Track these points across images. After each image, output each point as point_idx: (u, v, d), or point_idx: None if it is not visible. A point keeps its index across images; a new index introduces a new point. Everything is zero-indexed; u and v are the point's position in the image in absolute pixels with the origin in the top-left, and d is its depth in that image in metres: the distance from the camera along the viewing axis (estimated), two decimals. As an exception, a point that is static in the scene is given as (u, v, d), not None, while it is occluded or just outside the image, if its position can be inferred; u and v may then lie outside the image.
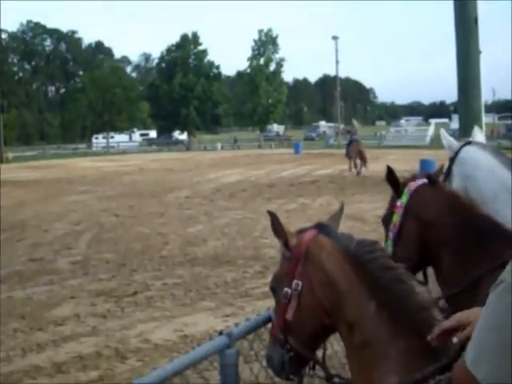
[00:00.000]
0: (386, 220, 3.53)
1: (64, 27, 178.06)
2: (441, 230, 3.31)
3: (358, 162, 33.16)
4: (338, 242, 2.60)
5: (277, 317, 2.74)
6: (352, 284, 2.48)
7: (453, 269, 3.25)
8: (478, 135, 4.51)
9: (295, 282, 2.63)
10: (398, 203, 3.45)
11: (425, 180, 3.49)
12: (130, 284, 11.68)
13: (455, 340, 2.07)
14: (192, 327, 9.01)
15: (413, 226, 3.39)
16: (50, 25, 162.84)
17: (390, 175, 3.54)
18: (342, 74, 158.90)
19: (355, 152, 33.39)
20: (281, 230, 2.73)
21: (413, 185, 3.47)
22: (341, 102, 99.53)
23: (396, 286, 2.42)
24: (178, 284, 11.58)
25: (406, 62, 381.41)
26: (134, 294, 10.98)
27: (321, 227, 2.71)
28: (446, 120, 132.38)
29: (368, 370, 2.40)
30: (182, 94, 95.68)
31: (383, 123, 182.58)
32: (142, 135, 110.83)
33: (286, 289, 2.66)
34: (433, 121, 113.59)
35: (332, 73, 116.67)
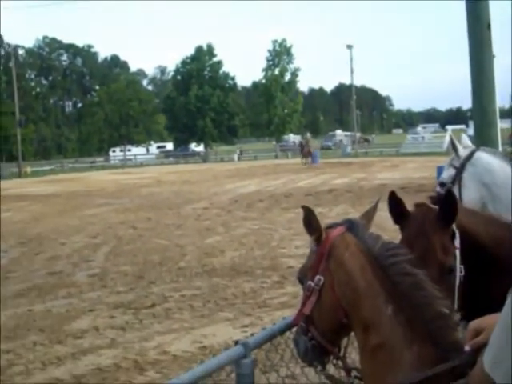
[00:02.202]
0: None
1: (80, 42, 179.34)
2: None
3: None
4: (362, 243, 2.60)
5: (299, 307, 2.77)
6: (371, 286, 2.48)
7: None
8: (465, 141, 4.28)
9: (318, 277, 2.64)
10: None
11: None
12: (148, 296, 11.69)
13: (467, 348, 2.05)
14: (211, 338, 9.00)
15: None
16: (66, 40, 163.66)
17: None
18: (358, 83, 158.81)
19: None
20: (317, 225, 2.72)
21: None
22: (357, 110, 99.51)
23: (415, 292, 2.42)
24: (196, 295, 11.58)
25: (422, 69, 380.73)
26: (153, 305, 10.99)
27: (349, 225, 2.70)
28: (462, 126, 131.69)
29: (380, 374, 2.39)
30: (198, 105, 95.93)
31: (400, 131, 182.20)
32: (158, 147, 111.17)
33: (309, 282, 2.68)
34: (450, 127, 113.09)
35: (347, 81, 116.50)
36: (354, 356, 2.84)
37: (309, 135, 63.14)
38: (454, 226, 2.87)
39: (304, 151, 57.51)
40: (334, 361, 2.81)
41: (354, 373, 2.74)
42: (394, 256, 2.51)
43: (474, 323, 2.09)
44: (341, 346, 2.80)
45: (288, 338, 3.27)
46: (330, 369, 2.88)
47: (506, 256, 2.90)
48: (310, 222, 2.73)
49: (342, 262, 2.59)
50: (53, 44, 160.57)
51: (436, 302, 2.40)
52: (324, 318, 2.64)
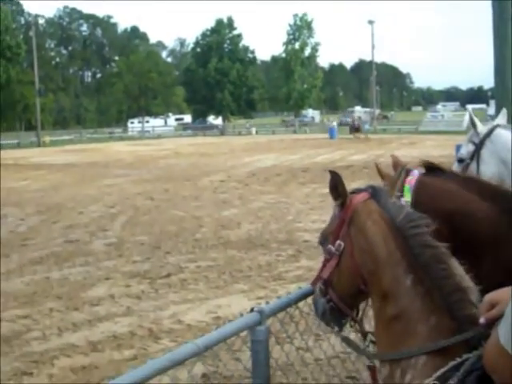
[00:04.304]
0: None
1: (100, 12, 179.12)
2: (462, 218, 2.98)
3: None
4: (385, 211, 2.56)
5: (319, 270, 2.77)
6: (392, 256, 2.46)
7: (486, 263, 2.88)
8: (501, 118, 4.23)
9: (338, 242, 2.63)
10: (402, 203, 2.96)
11: (418, 170, 3.18)
12: (164, 266, 11.77)
13: (482, 320, 2.05)
14: (225, 309, 9.06)
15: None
16: (86, 10, 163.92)
17: (382, 176, 3.31)
18: (378, 59, 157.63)
19: None
20: (343, 191, 2.67)
21: (411, 179, 3.14)
22: (377, 87, 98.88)
23: (435, 265, 2.40)
24: (211, 267, 11.64)
25: (444, 47, 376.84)
26: (168, 275, 11.06)
27: (373, 192, 2.66)
28: (483, 106, 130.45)
29: (396, 344, 2.39)
30: (217, 78, 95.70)
31: (420, 108, 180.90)
32: (176, 120, 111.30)
33: (329, 246, 2.67)
34: (470, 106, 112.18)
35: (368, 58, 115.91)
36: (370, 319, 2.84)
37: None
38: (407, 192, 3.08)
39: (355, 126, 63.33)
40: (352, 323, 2.82)
41: (369, 336, 2.75)
42: (416, 227, 2.48)
43: (489, 296, 2.09)
44: (359, 309, 2.80)
45: (302, 310, 3.30)
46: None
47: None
48: (336, 186, 2.69)
49: (363, 230, 2.56)
50: (73, 14, 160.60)
51: (455, 275, 2.39)
52: (342, 283, 2.64)
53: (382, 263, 2.47)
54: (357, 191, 2.71)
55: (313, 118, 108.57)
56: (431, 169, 3.18)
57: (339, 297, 2.67)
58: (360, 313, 2.82)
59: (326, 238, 2.74)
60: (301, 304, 3.26)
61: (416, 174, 3.16)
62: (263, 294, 9.66)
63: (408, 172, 3.19)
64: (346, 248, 2.61)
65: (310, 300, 3.23)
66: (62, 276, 11.31)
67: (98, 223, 16.69)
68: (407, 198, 3.09)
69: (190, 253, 12.85)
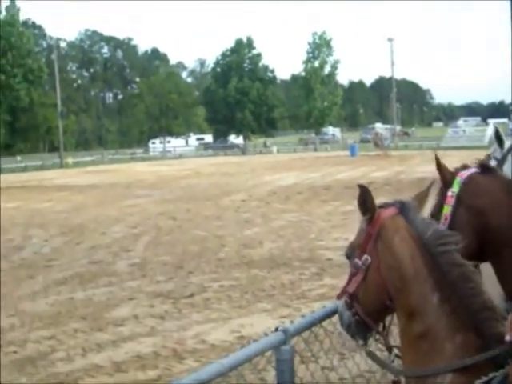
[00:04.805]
0: (435, 214, 3.35)
1: (120, 35, 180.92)
2: (500, 220, 3.08)
3: None
4: (413, 227, 2.55)
5: (344, 283, 2.77)
6: (419, 273, 2.46)
7: None
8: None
9: (365, 256, 2.62)
10: (449, 193, 3.21)
11: (476, 169, 3.28)
12: (187, 286, 11.79)
13: (508, 338, 2.04)
14: (248, 328, 9.05)
15: (467, 216, 3.14)
16: (106, 33, 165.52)
17: (439, 165, 3.40)
18: (398, 76, 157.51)
19: None
20: (371, 205, 2.66)
21: (464, 173, 3.26)
22: (397, 103, 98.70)
23: (462, 283, 2.40)
24: (234, 286, 11.64)
25: (464, 62, 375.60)
26: (191, 295, 11.08)
27: (402, 207, 2.65)
28: (505, 120, 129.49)
29: (422, 362, 2.38)
30: (238, 98, 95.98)
31: (441, 124, 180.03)
32: (198, 139, 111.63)
33: (356, 260, 2.67)
34: (491, 121, 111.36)
35: (388, 74, 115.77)
36: (396, 332, 2.83)
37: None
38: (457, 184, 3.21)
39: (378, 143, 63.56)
40: (377, 337, 2.81)
41: (395, 351, 2.74)
42: (444, 245, 2.47)
43: None
44: (384, 323, 2.79)
45: (327, 329, 3.29)
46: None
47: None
48: (365, 200, 2.67)
49: (390, 246, 2.55)
50: (94, 37, 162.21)
51: (482, 294, 2.39)
52: (368, 297, 2.63)
53: (409, 280, 2.47)
54: (385, 206, 2.70)
55: (333, 135, 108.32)
56: (486, 169, 3.26)
57: (365, 311, 2.66)
58: (385, 327, 2.81)
59: (352, 252, 2.73)
60: (325, 323, 3.26)
61: (471, 170, 3.26)
62: (286, 313, 9.64)
63: (465, 167, 3.31)
64: (372, 263, 2.60)
65: (334, 319, 3.23)
66: (86, 296, 11.38)
67: (120, 244, 16.77)
68: (455, 188, 3.19)
69: (212, 272, 12.87)
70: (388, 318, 2.81)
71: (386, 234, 2.58)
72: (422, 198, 2.85)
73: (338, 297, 2.80)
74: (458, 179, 3.21)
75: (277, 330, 2.90)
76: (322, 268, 12.53)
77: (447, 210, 3.17)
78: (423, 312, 2.41)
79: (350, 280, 2.71)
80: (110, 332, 9.28)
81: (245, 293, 11.10)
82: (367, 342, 2.80)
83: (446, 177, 3.27)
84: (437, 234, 2.51)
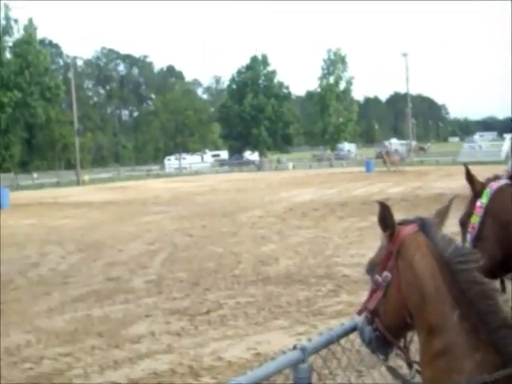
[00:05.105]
0: (464, 221, 3.33)
1: (136, 52, 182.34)
2: None
3: None
4: (434, 245, 2.55)
5: (365, 299, 2.78)
6: (439, 291, 2.46)
7: None
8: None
9: (385, 273, 2.63)
10: (478, 203, 3.26)
11: (507, 180, 3.31)
12: (204, 303, 11.78)
13: None
14: (265, 345, 9.02)
15: (493, 227, 3.18)
16: (123, 51, 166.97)
17: (469, 175, 3.40)
18: (413, 91, 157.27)
19: None
20: (392, 222, 2.67)
21: (494, 185, 3.30)
22: (412, 118, 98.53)
23: (482, 301, 2.40)
24: (250, 303, 11.62)
25: (479, 77, 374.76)
26: (208, 312, 11.07)
27: (422, 224, 2.65)
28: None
29: (441, 379, 2.38)
30: (253, 114, 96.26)
31: (456, 139, 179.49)
32: (213, 156, 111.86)
33: (376, 276, 2.68)
34: (507, 136, 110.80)
35: (403, 90, 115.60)
36: (416, 349, 2.82)
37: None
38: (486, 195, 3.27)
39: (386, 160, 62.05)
40: (397, 352, 2.80)
41: (415, 366, 2.73)
42: (464, 262, 2.47)
43: None
44: (405, 338, 2.79)
45: (344, 346, 3.28)
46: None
47: None
48: (385, 218, 2.67)
49: (411, 263, 2.56)
50: (110, 55, 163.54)
51: (502, 312, 2.38)
52: (388, 314, 2.63)
53: (429, 297, 2.47)
54: (405, 223, 2.70)
55: (349, 151, 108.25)
56: None
57: (385, 326, 2.66)
58: (406, 342, 2.80)
59: (373, 268, 2.74)
60: (343, 340, 3.24)
61: (502, 181, 3.31)
62: (303, 330, 9.61)
63: (496, 178, 3.37)
64: (393, 280, 2.60)
65: (352, 336, 3.22)
66: (103, 313, 11.39)
67: (137, 260, 16.81)
68: (484, 199, 3.24)
69: (229, 289, 12.86)
70: (409, 334, 2.80)
71: (407, 251, 2.59)
72: (442, 214, 2.84)
73: (359, 313, 2.81)
74: (488, 190, 3.22)
75: (295, 347, 2.89)
76: (339, 284, 12.49)
77: (475, 219, 3.19)
78: (443, 329, 2.41)
79: (370, 296, 2.71)
80: (127, 349, 9.28)
81: (261, 309, 11.08)
82: (388, 357, 2.80)
83: (476, 187, 3.30)
84: (457, 252, 2.50)
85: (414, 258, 2.56)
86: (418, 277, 2.52)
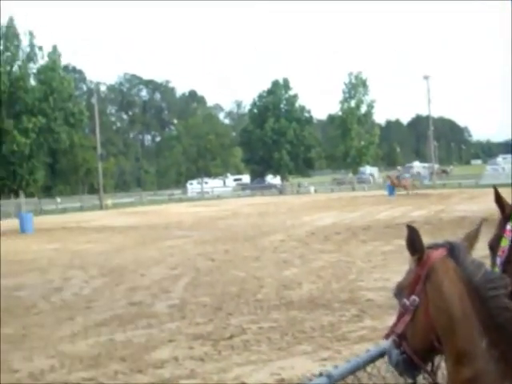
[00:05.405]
0: (494, 245, 3.30)
1: (159, 78, 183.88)
2: None
3: None
4: (463, 270, 2.53)
5: (393, 323, 2.75)
6: (468, 317, 2.43)
7: None
8: None
9: (413, 297, 2.61)
10: (508, 227, 3.19)
11: None
12: (227, 327, 11.74)
13: None
14: (289, 371, 8.95)
15: None
16: (145, 76, 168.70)
17: (498, 197, 3.36)
18: (435, 114, 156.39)
19: None
20: (420, 246, 2.65)
21: None
22: (434, 141, 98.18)
23: (510, 328, 2.37)
24: (273, 327, 11.55)
25: (501, 99, 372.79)
26: (231, 337, 11.02)
27: (451, 249, 2.62)
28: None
29: None
30: (275, 138, 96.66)
31: (479, 162, 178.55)
32: (235, 180, 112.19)
33: (404, 300, 2.66)
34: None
35: (424, 112, 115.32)
36: (444, 370, 2.78)
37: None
38: None
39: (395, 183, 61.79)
40: (425, 376, 2.78)
41: None
42: (494, 289, 2.44)
43: None
44: (433, 362, 2.76)
45: (371, 373, 3.25)
46: None
47: None
48: (414, 241, 2.66)
49: (439, 288, 2.54)
50: (133, 80, 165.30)
51: None
52: (416, 338, 2.61)
53: (458, 323, 2.44)
54: (434, 247, 2.68)
55: (371, 174, 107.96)
56: None
57: (413, 350, 2.64)
58: (434, 366, 2.77)
59: (400, 292, 2.72)
60: (369, 367, 3.22)
61: None
62: (327, 355, 9.53)
63: None
64: (420, 304, 2.58)
65: (378, 363, 3.19)
66: (126, 338, 11.38)
67: (160, 285, 16.80)
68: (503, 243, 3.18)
69: (252, 314, 12.80)
70: (437, 357, 2.77)
71: (436, 276, 2.57)
72: (471, 237, 2.81)
73: (386, 336, 2.79)
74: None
75: (321, 374, 2.88)
76: (362, 309, 12.38)
77: (505, 243, 3.14)
78: (471, 356, 2.38)
79: (398, 320, 2.69)
80: (150, 374, 9.25)
81: (284, 334, 11.01)
82: (415, 380, 2.77)
83: (506, 210, 3.25)
84: (486, 278, 2.48)
85: (442, 282, 2.54)
86: (447, 302, 2.49)
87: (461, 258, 2.57)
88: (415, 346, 2.62)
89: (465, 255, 2.60)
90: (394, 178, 62.86)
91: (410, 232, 2.66)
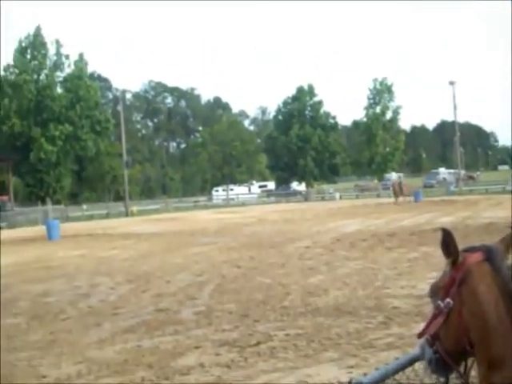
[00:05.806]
0: None
1: (184, 85, 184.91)
2: None
3: None
4: (499, 275, 2.51)
5: (426, 324, 2.75)
6: (502, 323, 2.42)
7: None
8: None
9: (447, 300, 2.60)
10: None
11: None
12: (253, 334, 11.73)
13: None
14: (315, 378, 8.92)
15: None
16: (170, 84, 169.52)
17: None
18: (461, 119, 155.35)
19: None
20: (455, 249, 2.66)
21: None
22: (460, 147, 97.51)
23: None
24: (300, 334, 11.53)
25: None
26: (257, 344, 11.01)
27: (488, 253, 2.60)
28: None
29: None
30: (299, 145, 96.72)
31: (506, 167, 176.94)
32: (260, 187, 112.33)
33: (438, 302, 2.65)
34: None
35: (450, 118, 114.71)
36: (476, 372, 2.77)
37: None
38: None
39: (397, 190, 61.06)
40: (457, 376, 2.76)
41: None
42: None
43: None
44: (466, 363, 2.74)
45: (400, 381, 3.24)
46: None
47: None
48: (448, 244, 2.67)
49: (475, 292, 2.52)
50: (158, 88, 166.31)
51: None
52: (449, 340, 2.60)
53: (492, 329, 2.42)
54: (471, 250, 2.67)
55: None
56: None
57: (446, 351, 2.62)
58: (467, 367, 2.75)
59: (435, 293, 2.71)
60: (398, 375, 3.21)
61: None
62: (353, 363, 9.48)
63: None
64: (454, 307, 2.57)
65: (407, 372, 3.18)
66: (153, 344, 11.42)
67: (186, 292, 16.85)
68: None
69: (278, 321, 12.79)
70: (470, 359, 2.76)
71: (472, 280, 2.55)
72: (507, 242, 2.78)
73: (419, 336, 2.78)
74: None
75: (350, 382, 2.88)
76: (389, 317, 12.32)
77: None
78: (504, 364, 2.36)
79: (430, 321, 2.69)
80: (177, 380, 9.27)
81: (311, 341, 10.98)
82: (448, 380, 2.77)
83: None
84: None
85: (478, 287, 2.52)
86: (482, 307, 2.48)
87: (497, 263, 2.56)
88: (448, 347, 2.62)
89: (501, 260, 2.59)
90: (396, 185, 61.86)
91: (444, 235, 2.68)
